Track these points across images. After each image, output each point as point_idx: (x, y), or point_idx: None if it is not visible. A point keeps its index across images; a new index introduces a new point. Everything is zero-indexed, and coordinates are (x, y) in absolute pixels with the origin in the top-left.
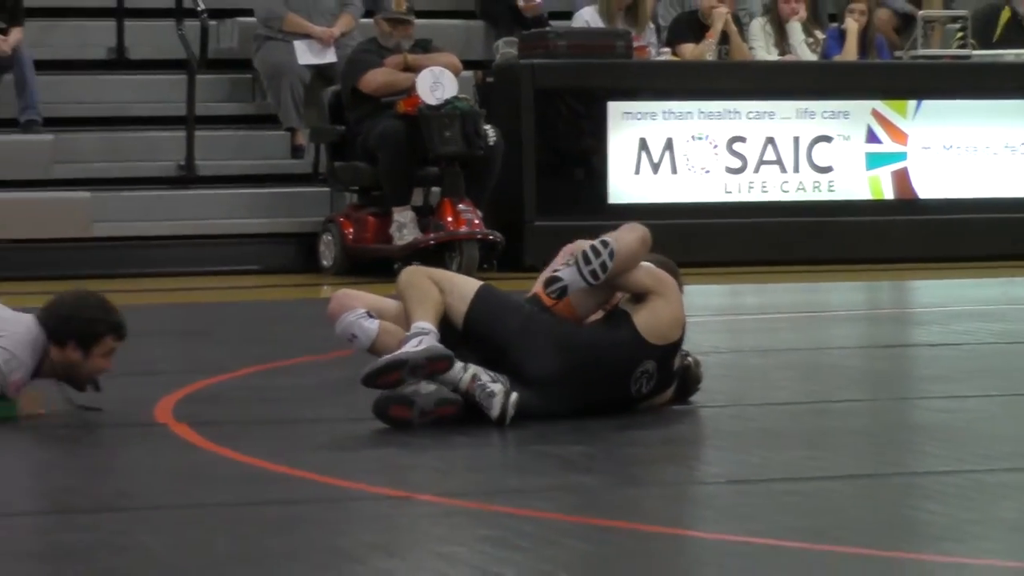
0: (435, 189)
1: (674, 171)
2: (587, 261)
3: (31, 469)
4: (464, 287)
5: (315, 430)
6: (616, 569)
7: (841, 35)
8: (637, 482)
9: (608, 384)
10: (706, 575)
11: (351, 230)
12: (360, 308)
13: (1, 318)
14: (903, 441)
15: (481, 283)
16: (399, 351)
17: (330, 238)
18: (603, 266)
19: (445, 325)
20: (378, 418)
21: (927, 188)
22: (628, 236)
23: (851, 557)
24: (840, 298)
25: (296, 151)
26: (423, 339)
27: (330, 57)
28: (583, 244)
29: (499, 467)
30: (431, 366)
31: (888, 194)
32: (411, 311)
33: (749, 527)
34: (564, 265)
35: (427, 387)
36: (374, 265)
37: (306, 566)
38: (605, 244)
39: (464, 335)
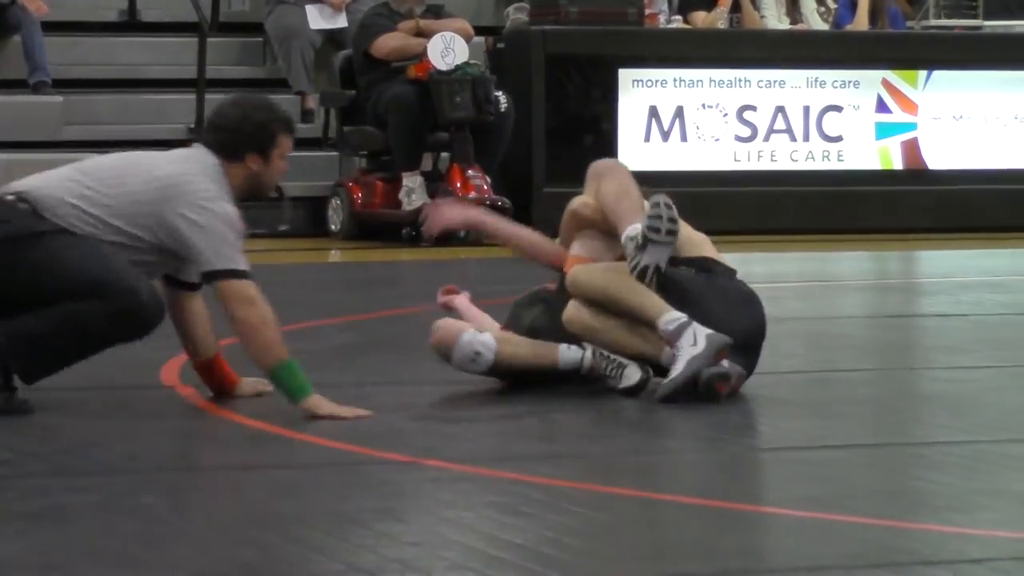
0: (444, 155)
1: (684, 139)
2: (655, 230)
3: (34, 431)
4: None
5: (322, 394)
6: (621, 536)
7: (852, 4)
8: (644, 450)
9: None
10: (712, 543)
11: (360, 195)
12: (468, 328)
13: (157, 158)
14: (909, 411)
15: None
16: (680, 363)
17: (339, 202)
18: (672, 220)
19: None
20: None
21: (936, 158)
22: (610, 186)
23: (857, 526)
24: (848, 268)
25: (306, 115)
26: (685, 331)
27: (341, 22)
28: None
29: (507, 434)
30: (717, 359)
31: (897, 164)
32: (642, 307)
33: (756, 495)
34: (635, 251)
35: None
36: (382, 230)
37: (311, 530)
38: (665, 205)
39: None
